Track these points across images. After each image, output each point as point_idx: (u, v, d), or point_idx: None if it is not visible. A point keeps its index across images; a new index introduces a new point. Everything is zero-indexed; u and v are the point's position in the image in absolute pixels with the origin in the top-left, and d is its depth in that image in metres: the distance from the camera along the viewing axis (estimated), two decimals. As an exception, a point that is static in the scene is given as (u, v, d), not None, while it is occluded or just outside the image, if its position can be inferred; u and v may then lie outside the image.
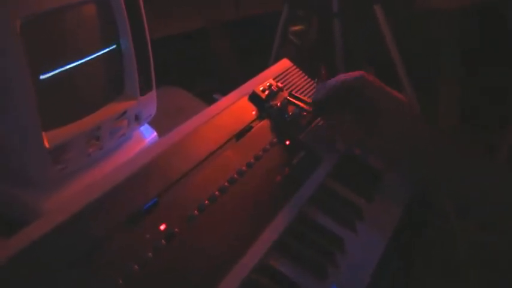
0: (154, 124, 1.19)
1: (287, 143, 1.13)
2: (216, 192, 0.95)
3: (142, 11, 1.03)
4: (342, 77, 1.11)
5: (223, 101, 1.13)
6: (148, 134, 1.18)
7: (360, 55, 1.99)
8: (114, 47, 1.00)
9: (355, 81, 1.09)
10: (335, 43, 1.81)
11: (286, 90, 1.22)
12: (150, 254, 0.81)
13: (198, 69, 2.35)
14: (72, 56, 0.91)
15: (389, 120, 1.06)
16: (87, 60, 0.93)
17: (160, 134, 1.19)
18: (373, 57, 2.06)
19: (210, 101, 1.50)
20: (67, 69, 0.90)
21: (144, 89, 1.07)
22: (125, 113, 1.03)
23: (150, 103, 1.10)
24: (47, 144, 0.89)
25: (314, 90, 1.30)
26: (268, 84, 1.19)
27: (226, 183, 0.97)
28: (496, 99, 2.33)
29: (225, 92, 1.16)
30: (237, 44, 2.49)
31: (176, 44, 2.33)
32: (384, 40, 1.91)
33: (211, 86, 2.27)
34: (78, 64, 0.92)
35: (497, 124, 2.31)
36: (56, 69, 0.88)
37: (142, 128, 1.16)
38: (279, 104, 1.17)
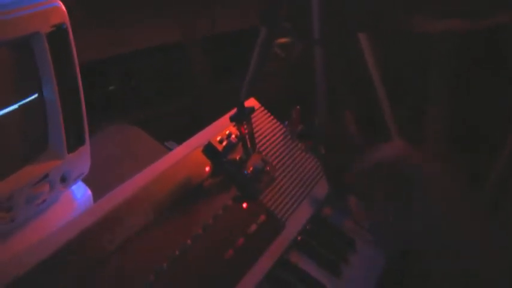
0: (95, 173, 1.01)
1: (244, 206, 0.96)
2: (155, 272, 0.81)
3: (73, 48, 0.86)
4: (382, 153, 1.01)
5: (173, 155, 0.97)
6: (79, 193, 1.00)
7: (343, 86, 1.83)
8: (34, 96, 0.83)
9: (396, 160, 1.00)
10: (316, 72, 1.65)
11: (249, 137, 1.04)
12: None
13: (173, 85, 2.21)
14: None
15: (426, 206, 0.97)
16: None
17: (100, 186, 1.02)
18: (355, 89, 1.91)
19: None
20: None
21: (74, 143, 0.89)
22: (46, 176, 0.85)
23: (81, 160, 0.93)
24: None
25: (282, 134, 1.13)
26: (227, 133, 1.03)
27: (166, 262, 0.83)
28: (485, 125, 2.23)
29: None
30: (213, 60, 2.34)
31: (151, 58, 2.18)
32: (367, 69, 1.76)
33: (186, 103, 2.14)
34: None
35: (486, 151, 2.20)
36: None
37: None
38: (237, 158, 1.00)
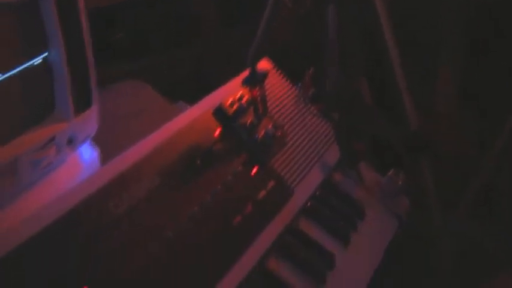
0: (102, 133, 1.00)
1: (254, 171, 0.94)
2: (163, 238, 0.80)
3: (80, 8, 0.83)
4: None
5: (183, 117, 0.95)
6: (87, 155, 0.98)
7: (355, 49, 1.79)
8: (41, 58, 0.81)
9: None
10: (327, 32, 1.60)
11: (260, 101, 1.02)
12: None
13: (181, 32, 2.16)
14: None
15: None
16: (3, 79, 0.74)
17: (108, 145, 1.00)
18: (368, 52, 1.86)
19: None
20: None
21: (81, 106, 0.87)
22: (53, 138, 0.83)
23: (88, 122, 0.91)
24: None
25: (294, 97, 1.11)
26: (238, 95, 1.00)
27: (174, 228, 0.82)
28: (497, 86, 2.19)
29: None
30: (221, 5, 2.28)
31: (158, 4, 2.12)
32: (380, 29, 1.70)
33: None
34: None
35: (496, 112, 2.17)
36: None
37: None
38: (248, 123, 0.97)
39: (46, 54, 0.78)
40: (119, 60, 1.45)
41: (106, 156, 0.99)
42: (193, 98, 1.03)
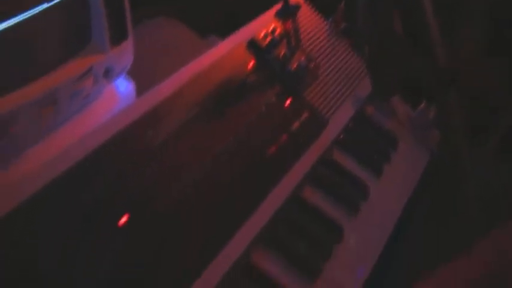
0: (135, 69, 1.01)
1: (288, 102, 0.95)
2: (200, 167, 0.81)
3: None
4: None
5: (216, 50, 0.95)
6: (123, 87, 0.99)
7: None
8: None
9: None
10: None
11: (293, 33, 1.02)
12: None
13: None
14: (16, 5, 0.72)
15: None
16: (39, 12, 0.75)
17: (143, 80, 1.01)
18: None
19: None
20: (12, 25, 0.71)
21: (117, 37, 0.88)
22: (90, 69, 0.85)
23: (124, 54, 0.91)
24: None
25: (326, 31, 1.11)
26: (272, 28, 1.00)
27: (210, 158, 0.83)
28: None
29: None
30: None
31: None
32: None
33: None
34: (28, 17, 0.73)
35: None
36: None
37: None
38: (281, 55, 0.98)
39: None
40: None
41: (140, 90, 1.00)
42: (225, 34, 1.03)
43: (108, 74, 0.87)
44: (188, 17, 1.30)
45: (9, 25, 0.68)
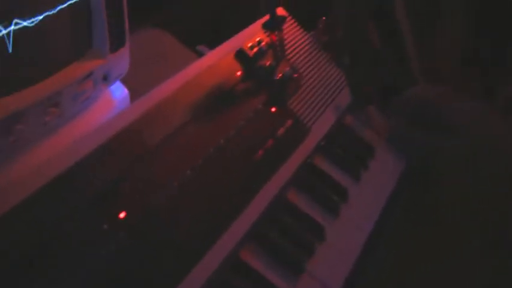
0: (128, 77, 1.06)
1: (273, 110, 1.01)
2: (190, 169, 0.85)
3: None
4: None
5: (206, 59, 1.01)
6: (118, 93, 1.05)
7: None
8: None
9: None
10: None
11: (279, 45, 1.08)
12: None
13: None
14: (27, 9, 0.77)
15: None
16: (47, 16, 0.80)
17: (134, 88, 1.06)
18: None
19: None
20: (20, 28, 0.76)
21: (116, 44, 0.94)
22: (91, 73, 0.90)
23: (121, 60, 0.97)
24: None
25: (309, 44, 1.17)
26: (258, 39, 1.06)
27: (201, 160, 0.88)
28: (498, 43, 2.23)
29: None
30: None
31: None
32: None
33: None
34: (38, 20, 0.78)
35: (498, 69, 2.21)
36: (7, 27, 0.74)
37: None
38: (267, 65, 1.04)
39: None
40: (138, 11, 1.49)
41: (133, 97, 1.05)
42: (213, 45, 1.09)
43: (106, 78, 0.92)
44: (175, 28, 1.35)
45: (24, 25, 0.72)
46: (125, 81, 1.06)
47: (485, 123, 0.99)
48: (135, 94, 1.02)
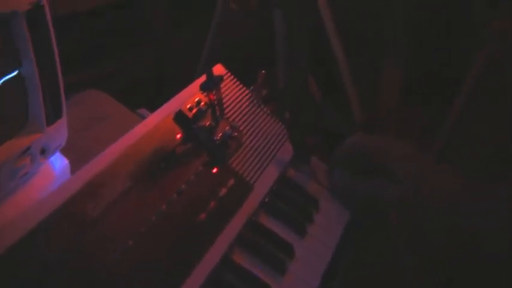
0: (67, 143, 1.06)
1: (214, 170, 1.02)
2: (132, 238, 0.85)
3: (50, 24, 0.89)
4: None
5: (146, 123, 1.01)
6: (57, 164, 1.04)
7: (302, 49, 1.87)
8: (15, 73, 0.86)
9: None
10: (276, 35, 1.68)
11: (217, 104, 1.10)
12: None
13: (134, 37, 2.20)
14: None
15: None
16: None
17: (75, 154, 1.06)
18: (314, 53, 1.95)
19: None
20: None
21: (53, 117, 0.93)
22: (28, 148, 0.89)
23: (59, 132, 0.97)
24: None
25: (248, 99, 1.19)
26: (196, 100, 1.07)
27: (144, 227, 0.88)
28: (439, 82, 2.30)
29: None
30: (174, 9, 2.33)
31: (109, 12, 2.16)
32: (325, 30, 1.80)
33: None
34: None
35: (439, 108, 2.28)
36: None
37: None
38: (207, 125, 1.05)
39: (19, 69, 0.83)
40: (74, 70, 1.50)
41: (74, 164, 1.05)
42: (152, 105, 1.10)
43: (44, 152, 0.91)
44: (113, 88, 1.36)
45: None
46: (64, 148, 1.05)
47: (420, 174, 1.02)
48: (76, 160, 1.01)
